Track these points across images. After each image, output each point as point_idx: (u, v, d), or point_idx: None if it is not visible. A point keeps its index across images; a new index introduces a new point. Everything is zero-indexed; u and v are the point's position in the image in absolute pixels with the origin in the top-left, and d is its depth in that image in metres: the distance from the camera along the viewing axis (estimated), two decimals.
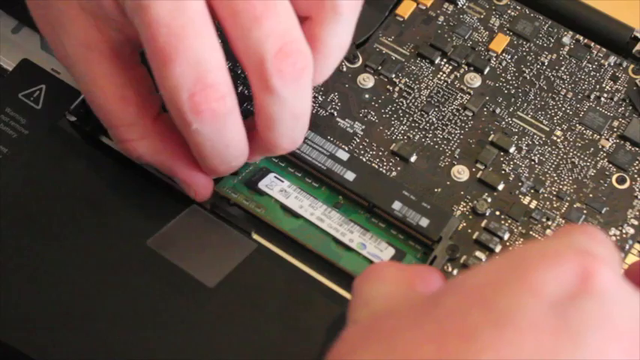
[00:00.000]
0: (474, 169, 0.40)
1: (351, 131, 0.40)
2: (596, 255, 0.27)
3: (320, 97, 0.41)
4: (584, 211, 0.39)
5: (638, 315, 0.26)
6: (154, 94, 0.36)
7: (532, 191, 0.39)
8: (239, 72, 0.41)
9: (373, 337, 0.27)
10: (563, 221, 0.39)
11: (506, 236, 0.38)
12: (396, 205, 0.38)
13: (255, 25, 0.32)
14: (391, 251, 0.38)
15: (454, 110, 0.41)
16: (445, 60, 0.42)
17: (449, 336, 0.26)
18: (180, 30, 0.32)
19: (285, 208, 0.39)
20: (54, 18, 0.35)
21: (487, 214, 0.39)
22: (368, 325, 0.28)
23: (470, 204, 0.39)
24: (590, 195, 0.39)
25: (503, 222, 0.38)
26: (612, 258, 0.28)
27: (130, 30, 0.34)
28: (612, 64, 0.42)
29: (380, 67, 0.42)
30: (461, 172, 0.40)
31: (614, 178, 0.40)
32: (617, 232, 0.38)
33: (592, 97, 0.42)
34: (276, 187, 0.39)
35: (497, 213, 0.39)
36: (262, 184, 0.39)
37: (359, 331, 0.28)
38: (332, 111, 0.41)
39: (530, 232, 0.38)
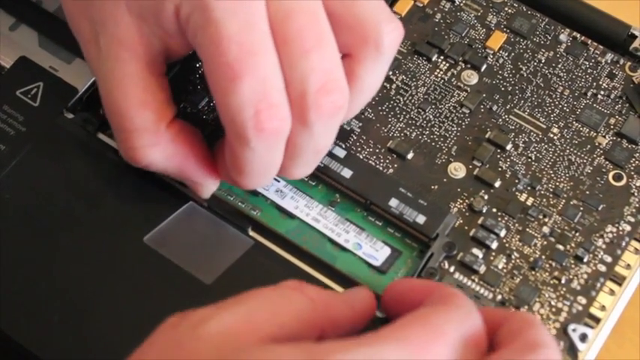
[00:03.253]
0: (470, 166, 0.40)
1: (348, 128, 0.41)
2: None
3: None
4: (581, 208, 0.39)
5: None
6: (171, 102, 0.36)
7: (529, 188, 0.39)
8: None
9: None
10: (560, 218, 0.39)
11: (502, 233, 0.38)
12: (393, 202, 0.38)
13: (303, 57, 0.33)
14: (387, 251, 0.38)
15: (451, 107, 0.41)
16: (442, 57, 0.42)
17: None
18: (250, 47, 0.32)
19: (281, 209, 0.39)
20: (95, 14, 0.36)
21: (484, 211, 0.39)
22: None
23: (466, 201, 0.39)
24: (587, 192, 0.39)
25: (499, 219, 0.38)
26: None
27: (172, 41, 0.35)
28: (609, 61, 0.43)
29: None
30: (457, 169, 0.40)
31: (610, 175, 0.40)
32: (614, 229, 0.39)
33: (589, 94, 0.42)
34: (272, 187, 0.39)
35: (494, 210, 0.39)
36: None
37: None
38: None
39: (527, 229, 0.38)
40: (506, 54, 0.43)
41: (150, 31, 0.35)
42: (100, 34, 0.36)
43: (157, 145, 0.36)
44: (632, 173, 0.40)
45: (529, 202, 0.39)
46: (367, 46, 0.35)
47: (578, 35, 0.43)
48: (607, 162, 0.40)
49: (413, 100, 0.41)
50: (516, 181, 0.40)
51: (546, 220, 0.39)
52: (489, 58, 0.42)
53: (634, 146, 0.40)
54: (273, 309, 0.30)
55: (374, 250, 0.38)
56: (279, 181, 0.39)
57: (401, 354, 0.27)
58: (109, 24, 0.35)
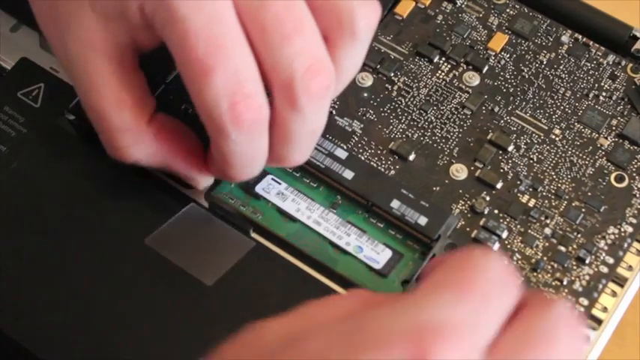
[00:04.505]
0: (472, 168, 0.40)
1: (350, 130, 0.40)
2: (442, 329, 0.25)
3: None
4: (583, 210, 0.39)
5: None
6: (149, 97, 0.36)
7: (530, 190, 0.39)
8: None
9: None
10: (562, 219, 0.39)
11: (504, 234, 0.38)
12: (395, 204, 0.38)
13: (285, 42, 0.33)
14: (388, 253, 0.38)
15: (453, 109, 0.41)
16: (444, 59, 0.42)
17: None
18: (218, 40, 0.32)
19: (282, 212, 0.39)
20: (59, 15, 0.35)
21: (485, 212, 0.39)
22: None
23: (468, 202, 0.39)
24: (589, 193, 0.39)
25: (501, 220, 0.38)
26: (479, 318, 0.26)
27: (140, 35, 0.34)
28: (611, 62, 0.42)
29: (378, 66, 0.42)
30: (459, 171, 0.40)
31: (612, 176, 0.40)
32: (616, 231, 0.38)
33: (591, 95, 0.42)
34: (273, 190, 0.39)
35: (496, 211, 0.39)
36: (259, 188, 0.39)
37: None
38: (330, 109, 0.41)
39: (529, 231, 0.38)
40: (508, 55, 0.43)
41: (116, 27, 0.34)
42: (66, 35, 0.35)
43: (139, 143, 0.36)
44: (634, 174, 0.40)
45: (531, 204, 0.39)
46: (342, 31, 0.35)
47: (580, 37, 0.43)
48: (609, 163, 0.40)
49: (414, 102, 0.41)
50: (518, 182, 0.39)
51: (548, 221, 0.39)
52: (491, 60, 0.42)
53: (636, 147, 0.40)
54: None
55: (375, 253, 0.38)
56: (280, 184, 0.39)
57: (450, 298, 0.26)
58: (73, 25, 0.35)
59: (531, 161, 0.40)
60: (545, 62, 0.42)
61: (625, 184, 0.40)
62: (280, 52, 0.33)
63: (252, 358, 0.27)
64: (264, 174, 0.39)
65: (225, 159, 0.35)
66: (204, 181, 0.38)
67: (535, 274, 0.37)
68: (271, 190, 0.39)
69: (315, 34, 0.34)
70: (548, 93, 0.42)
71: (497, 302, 0.27)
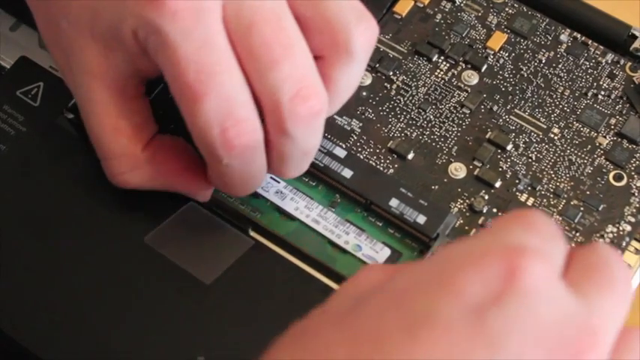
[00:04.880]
0: (471, 167, 0.40)
1: (349, 128, 0.40)
2: (526, 249, 0.26)
3: None
4: (581, 209, 0.39)
5: (567, 313, 0.25)
6: (149, 122, 0.36)
7: (529, 188, 0.39)
8: None
9: (297, 336, 0.27)
10: (560, 218, 0.39)
11: None
12: (394, 203, 0.38)
13: (272, 68, 0.32)
14: (387, 252, 0.38)
15: (451, 108, 0.41)
16: (442, 58, 0.42)
17: (361, 339, 0.25)
18: (209, 67, 0.32)
19: (281, 211, 0.39)
20: (64, 42, 0.35)
21: (484, 211, 0.39)
22: (305, 323, 0.28)
23: (467, 201, 0.39)
24: (587, 192, 0.39)
25: None
26: (549, 248, 0.27)
27: (141, 63, 0.34)
28: (609, 61, 0.43)
29: (377, 65, 0.42)
30: (458, 170, 0.40)
31: (611, 175, 0.40)
32: (614, 230, 0.38)
33: (589, 94, 0.42)
34: (272, 188, 0.39)
35: (495, 210, 0.39)
36: None
37: (295, 328, 0.28)
38: None
39: None
40: (507, 54, 0.43)
41: (116, 55, 0.34)
42: (70, 59, 0.35)
43: (135, 169, 0.36)
44: (633, 173, 0.40)
45: (529, 203, 0.39)
46: (338, 50, 0.34)
47: (579, 35, 0.43)
48: (607, 162, 0.40)
49: (413, 101, 0.41)
50: (517, 181, 0.39)
51: None
52: (490, 59, 0.42)
53: (634, 146, 0.40)
54: None
55: (374, 251, 0.38)
56: (279, 182, 0.39)
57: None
58: (76, 52, 0.35)
59: (530, 160, 0.40)
60: (544, 61, 0.42)
61: (623, 182, 0.40)
62: (267, 77, 0.33)
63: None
64: None
65: (222, 181, 0.35)
66: (205, 194, 0.38)
67: None
68: (270, 188, 0.39)
69: (305, 58, 0.33)
70: (547, 92, 0.42)
71: (560, 239, 0.28)
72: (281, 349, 0.27)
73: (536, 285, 0.25)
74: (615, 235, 0.38)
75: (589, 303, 0.26)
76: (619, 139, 0.41)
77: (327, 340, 0.26)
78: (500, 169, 0.40)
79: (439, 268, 0.26)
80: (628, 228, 0.39)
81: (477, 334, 0.24)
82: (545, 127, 0.41)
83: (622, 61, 0.42)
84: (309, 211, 0.39)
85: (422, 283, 0.26)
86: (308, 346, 0.26)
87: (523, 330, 0.25)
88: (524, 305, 0.25)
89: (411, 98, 0.41)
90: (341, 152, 0.39)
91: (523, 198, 0.39)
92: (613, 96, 0.42)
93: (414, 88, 0.42)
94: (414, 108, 0.41)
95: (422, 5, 0.44)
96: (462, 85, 0.42)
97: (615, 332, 0.27)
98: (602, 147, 0.40)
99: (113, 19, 0.33)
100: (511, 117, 0.41)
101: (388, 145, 0.40)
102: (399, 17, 0.43)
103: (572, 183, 0.40)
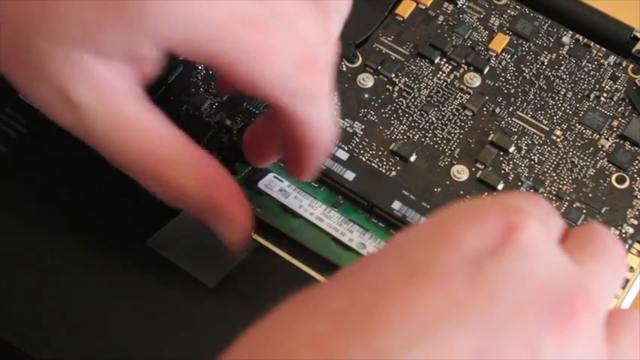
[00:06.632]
0: (473, 169, 0.40)
1: (351, 131, 0.40)
2: (525, 211, 0.27)
3: None
4: (584, 211, 0.39)
5: (562, 273, 0.26)
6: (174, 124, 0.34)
7: (532, 191, 0.39)
8: None
9: (303, 293, 0.27)
10: (563, 221, 0.38)
11: None
12: (396, 205, 0.38)
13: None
14: None
15: (454, 110, 0.41)
16: (445, 60, 0.42)
17: (361, 288, 0.25)
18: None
19: (285, 208, 0.39)
20: (55, 74, 0.32)
21: None
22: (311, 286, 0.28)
23: None
24: (590, 194, 0.39)
25: None
26: (546, 217, 0.28)
27: (148, 67, 0.33)
28: (612, 63, 0.43)
29: (379, 67, 0.42)
30: (460, 172, 0.40)
31: (613, 177, 0.40)
32: (617, 232, 0.38)
33: (591, 96, 0.42)
34: (276, 186, 0.39)
35: None
36: (262, 184, 0.39)
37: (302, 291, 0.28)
38: None
39: None
40: (509, 56, 0.43)
41: (123, 65, 0.32)
42: (72, 92, 0.32)
43: (190, 171, 0.34)
44: (635, 176, 0.40)
45: None
46: (295, 102, 0.33)
47: (581, 37, 0.43)
48: (610, 164, 0.40)
49: (415, 103, 0.41)
50: (519, 183, 0.39)
51: None
52: (492, 61, 0.42)
53: (637, 149, 0.40)
54: None
55: (378, 249, 0.38)
56: (282, 181, 0.39)
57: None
58: (78, 79, 0.32)
59: (532, 162, 0.40)
60: (546, 63, 0.42)
61: (626, 185, 0.40)
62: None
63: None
64: (266, 171, 0.39)
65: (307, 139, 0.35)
66: (247, 229, 0.35)
67: None
68: (274, 187, 0.39)
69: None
70: (549, 94, 0.42)
71: (558, 216, 0.29)
72: (287, 305, 0.27)
73: (534, 243, 0.26)
74: (618, 237, 0.38)
75: (583, 267, 0.27)
76: (621, 142, 0.41)
77: (328, 290, 0.26)
78: (502, 172, 0.40)
79: (440, 223, 0.27)
80: (631, 230, 0.39)
81: (474, 283, 0.25)
82: (547, 129, 0.41)
83: (624, 63, 0.42)
84: (313, 209, 0.38)
85: (422, 236, 0.27)
86: (311, 297, 0.26)
87: (519, 283, 0.25)
88: (520, 260, 0.26)
89: (413, 100, 0.41)
90: (343, 155, 0.39)
91: None
92: (615, 98, 0.42)
93: (416, 90, 0.42)
94: (416, 110, 0.41)
95: (424, 7, 0.44)
96: (465, 88, 0.42)
97: (609, 300, 0.28)
98: (604, 149, 0.40)
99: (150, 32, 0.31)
100: (513, 119, 0.41)
101: (390, 148, 0.40)
102: (401, 19, 0.43)
103: (574, 185, 0.40)
